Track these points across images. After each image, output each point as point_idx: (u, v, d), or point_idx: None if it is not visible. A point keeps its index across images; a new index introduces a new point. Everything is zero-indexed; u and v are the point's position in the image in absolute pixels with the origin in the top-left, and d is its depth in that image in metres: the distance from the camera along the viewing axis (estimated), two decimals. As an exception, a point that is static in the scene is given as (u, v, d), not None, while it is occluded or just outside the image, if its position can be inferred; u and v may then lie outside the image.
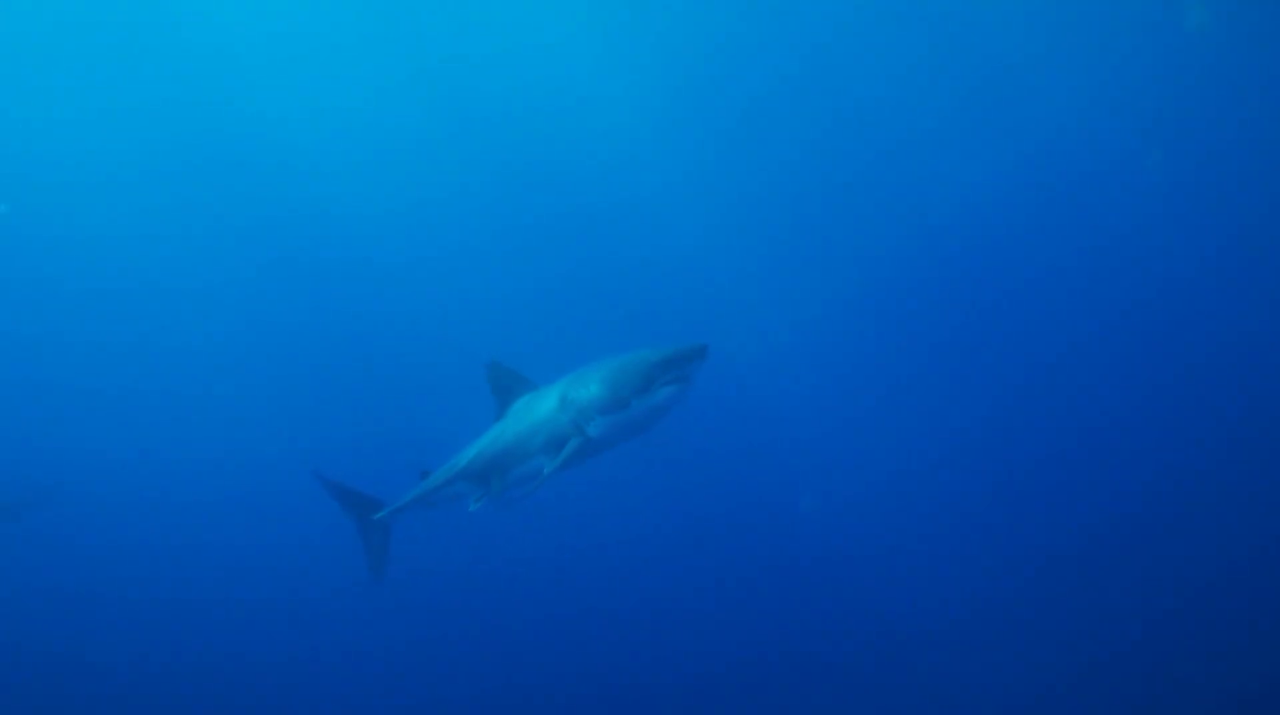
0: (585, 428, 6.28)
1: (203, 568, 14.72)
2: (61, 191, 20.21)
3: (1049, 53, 17.77)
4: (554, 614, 13.34)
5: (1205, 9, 15.60)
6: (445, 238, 20.40)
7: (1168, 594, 11.80)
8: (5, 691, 12.45)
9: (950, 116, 18.29)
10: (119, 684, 12.85)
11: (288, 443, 16.56)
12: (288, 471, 14.98)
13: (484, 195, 20.30)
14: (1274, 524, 11.99)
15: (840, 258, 17.77)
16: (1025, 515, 13.56)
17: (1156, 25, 16.99)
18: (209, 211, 20.16)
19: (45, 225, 20.03)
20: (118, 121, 20.02)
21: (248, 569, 14.60)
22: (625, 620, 13.27)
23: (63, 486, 13.85)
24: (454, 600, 13.50)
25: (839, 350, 16.68)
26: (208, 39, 19.03)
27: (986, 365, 15.85)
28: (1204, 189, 16.47)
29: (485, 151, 20.39)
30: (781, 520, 14.09)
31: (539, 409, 6.71)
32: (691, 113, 19.52)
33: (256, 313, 19.70)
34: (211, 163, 19.90)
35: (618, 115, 19.87)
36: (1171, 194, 16.55)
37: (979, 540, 13.20)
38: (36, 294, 19.69)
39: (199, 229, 20.17)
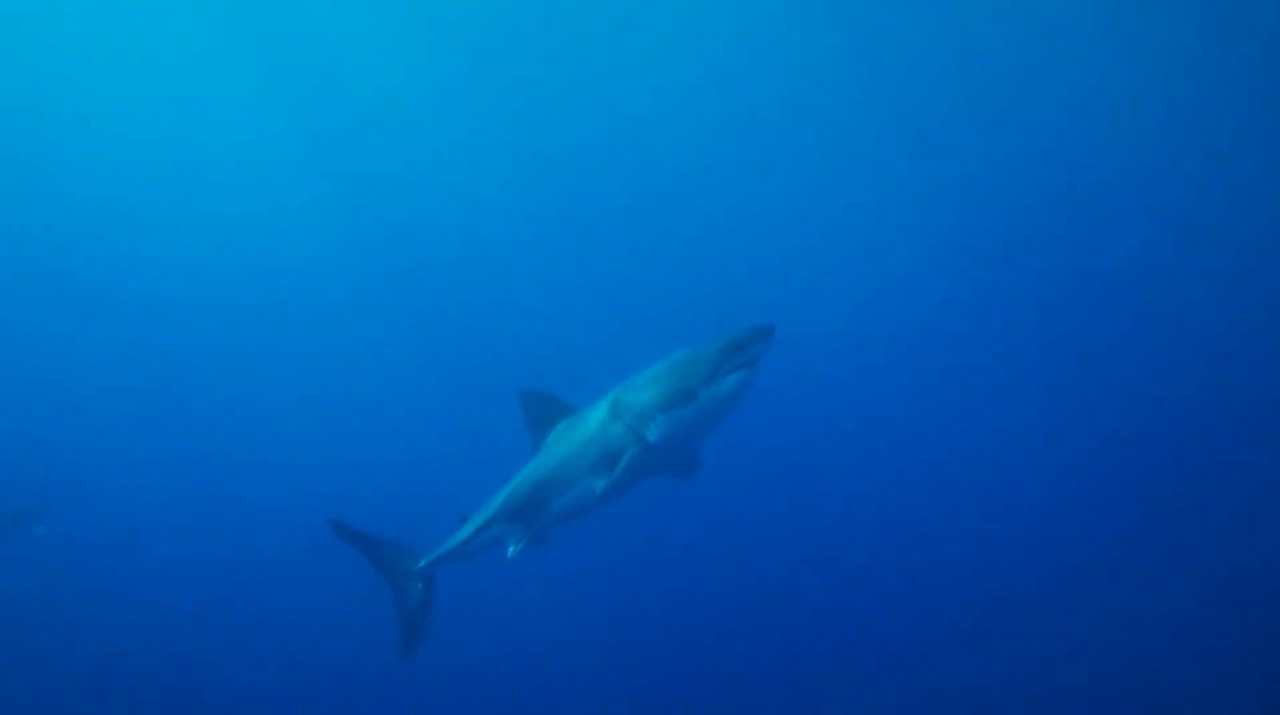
0: (644, 432, 5.59)
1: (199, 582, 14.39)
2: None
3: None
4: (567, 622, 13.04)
5: None
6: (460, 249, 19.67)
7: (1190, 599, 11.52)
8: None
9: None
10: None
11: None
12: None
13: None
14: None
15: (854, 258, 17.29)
16: (1046, 518, 13.26)
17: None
18: (195, 221, 19.44)
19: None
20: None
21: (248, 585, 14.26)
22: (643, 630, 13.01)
23: (48, 506, 13.34)
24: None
25: (852, 353, 16.31)
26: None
27: (1002, 369, 15.54)
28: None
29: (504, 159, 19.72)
30: (793, 524, 13.82)
31: (584, 426, 6.03)
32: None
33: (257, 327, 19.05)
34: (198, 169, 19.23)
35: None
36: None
37: (1002, 544, 12.93)
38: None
39: (195, 239, 19.43)
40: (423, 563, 6.83)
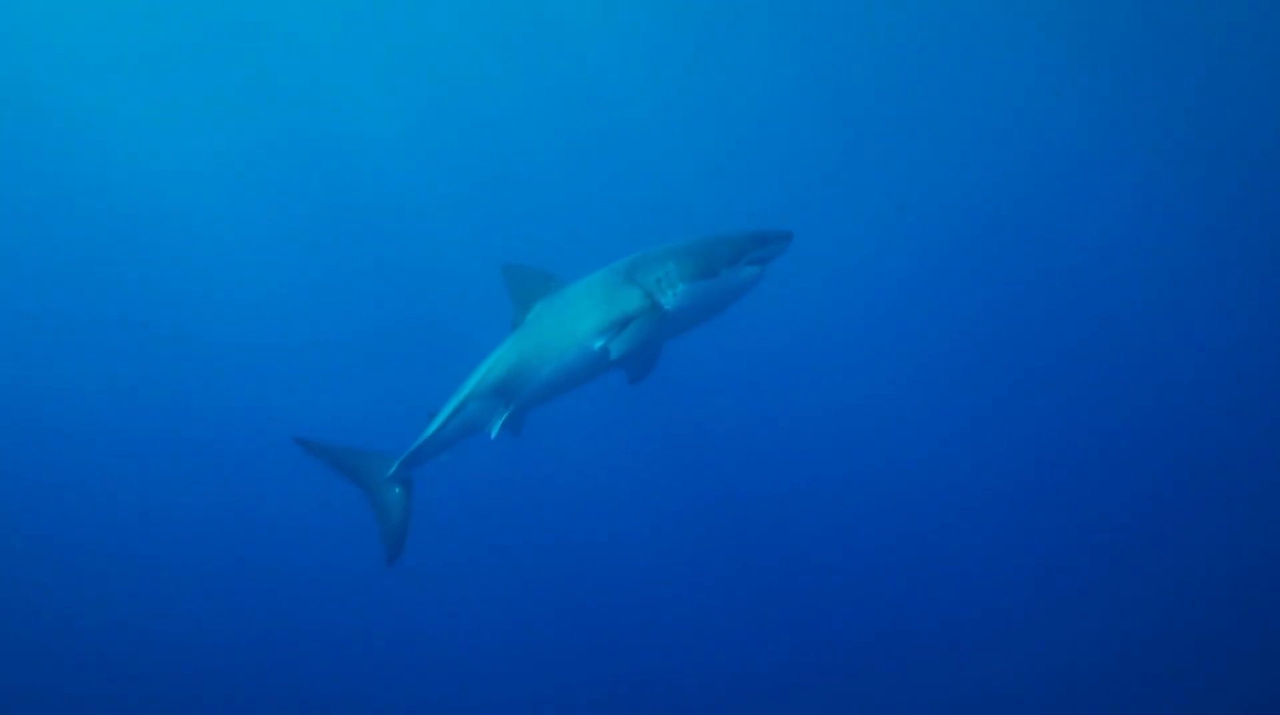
0: (661, 299, 5.66)
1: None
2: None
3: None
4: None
5: None
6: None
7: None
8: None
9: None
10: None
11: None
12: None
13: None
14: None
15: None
16: (1042, 514, 13.04)
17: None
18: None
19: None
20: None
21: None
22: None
23: None
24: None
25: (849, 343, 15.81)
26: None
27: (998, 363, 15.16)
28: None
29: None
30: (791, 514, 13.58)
31: (589, 290, 5.99)
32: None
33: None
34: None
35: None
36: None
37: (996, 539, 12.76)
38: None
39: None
40: (395, 466, 6.68)
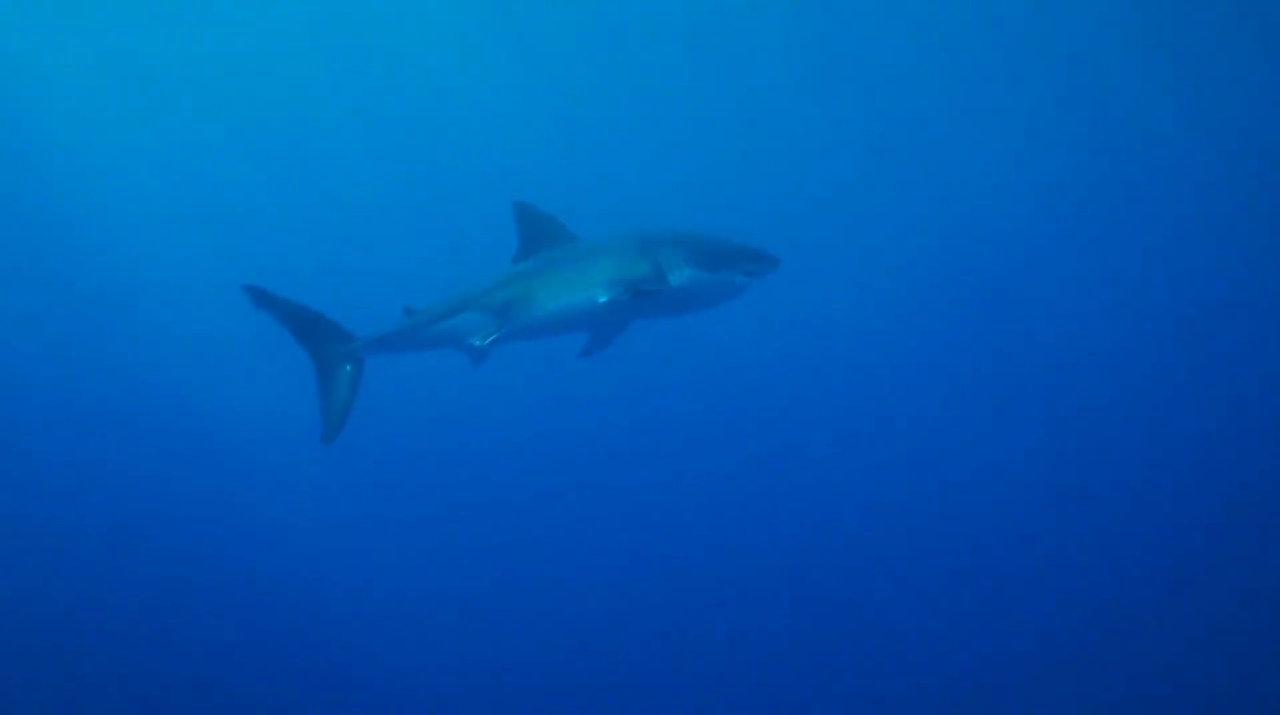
0: (668, 276, 6.19)
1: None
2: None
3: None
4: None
5: None
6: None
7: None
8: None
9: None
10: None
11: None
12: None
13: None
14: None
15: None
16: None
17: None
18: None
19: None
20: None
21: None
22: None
23: None
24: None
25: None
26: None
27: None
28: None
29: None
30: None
31: (602, 251, 6.50)
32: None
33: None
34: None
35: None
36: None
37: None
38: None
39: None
40: (358, 343, 6.81)
